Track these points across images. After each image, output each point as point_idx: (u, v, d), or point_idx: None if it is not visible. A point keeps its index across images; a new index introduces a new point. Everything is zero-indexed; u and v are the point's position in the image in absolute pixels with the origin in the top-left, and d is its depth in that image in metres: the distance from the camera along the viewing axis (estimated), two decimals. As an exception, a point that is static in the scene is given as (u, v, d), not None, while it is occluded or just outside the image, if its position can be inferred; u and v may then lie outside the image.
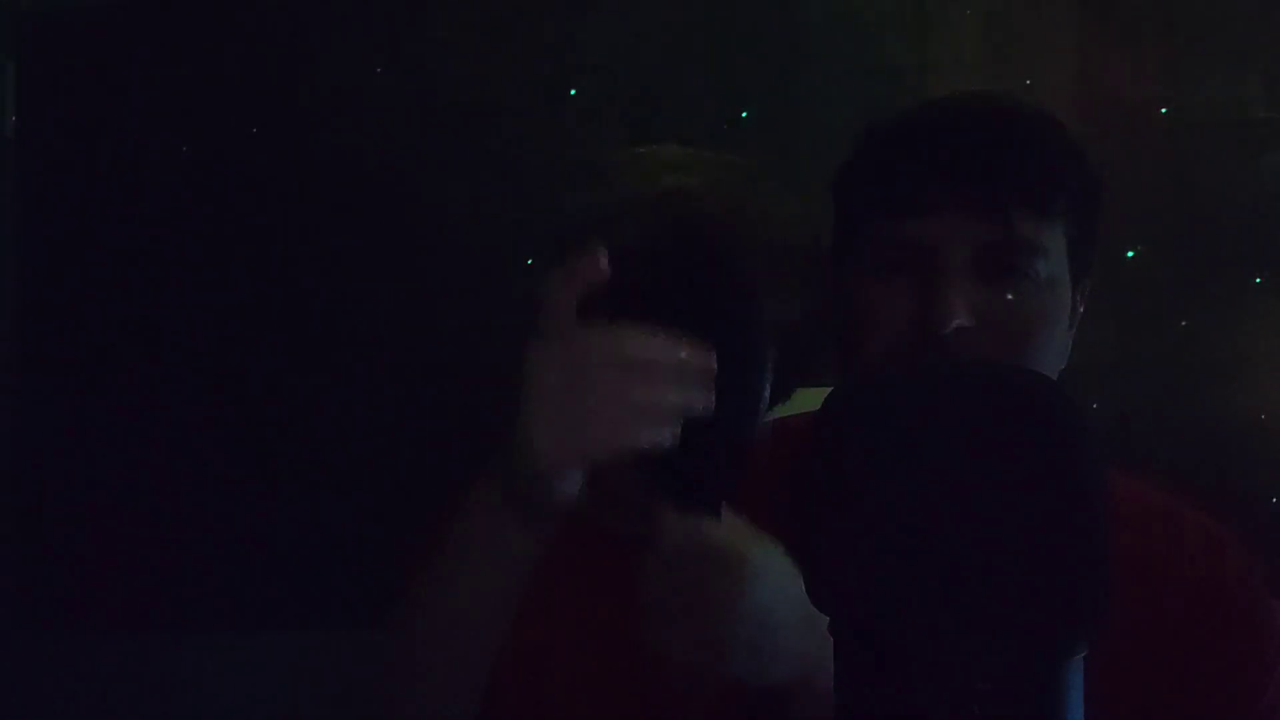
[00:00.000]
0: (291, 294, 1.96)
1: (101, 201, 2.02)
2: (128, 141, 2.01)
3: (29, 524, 2.03)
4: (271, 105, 1.98)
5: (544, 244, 1.08)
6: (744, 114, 1.85)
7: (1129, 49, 1.75)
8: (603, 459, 0.71)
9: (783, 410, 0.87)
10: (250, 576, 1.93)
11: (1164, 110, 1.74)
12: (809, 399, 0.95)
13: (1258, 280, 1.71)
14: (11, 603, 2.02)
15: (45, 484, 2.03)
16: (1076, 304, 0.99)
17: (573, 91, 1.90)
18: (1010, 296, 0.92)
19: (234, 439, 1.96)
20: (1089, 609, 0.48)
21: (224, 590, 1.93)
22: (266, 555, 1.92)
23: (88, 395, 2.01)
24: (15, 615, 2.02)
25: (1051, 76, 1.75)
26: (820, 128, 1.79)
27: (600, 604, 0.98)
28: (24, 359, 2.05)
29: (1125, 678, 0.76)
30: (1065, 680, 0.48)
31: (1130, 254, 1.72)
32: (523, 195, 1.88)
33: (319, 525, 1.90)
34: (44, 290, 2.05)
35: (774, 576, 0.74)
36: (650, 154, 1.02)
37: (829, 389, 0.56)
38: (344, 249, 1.95)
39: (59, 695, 1.95)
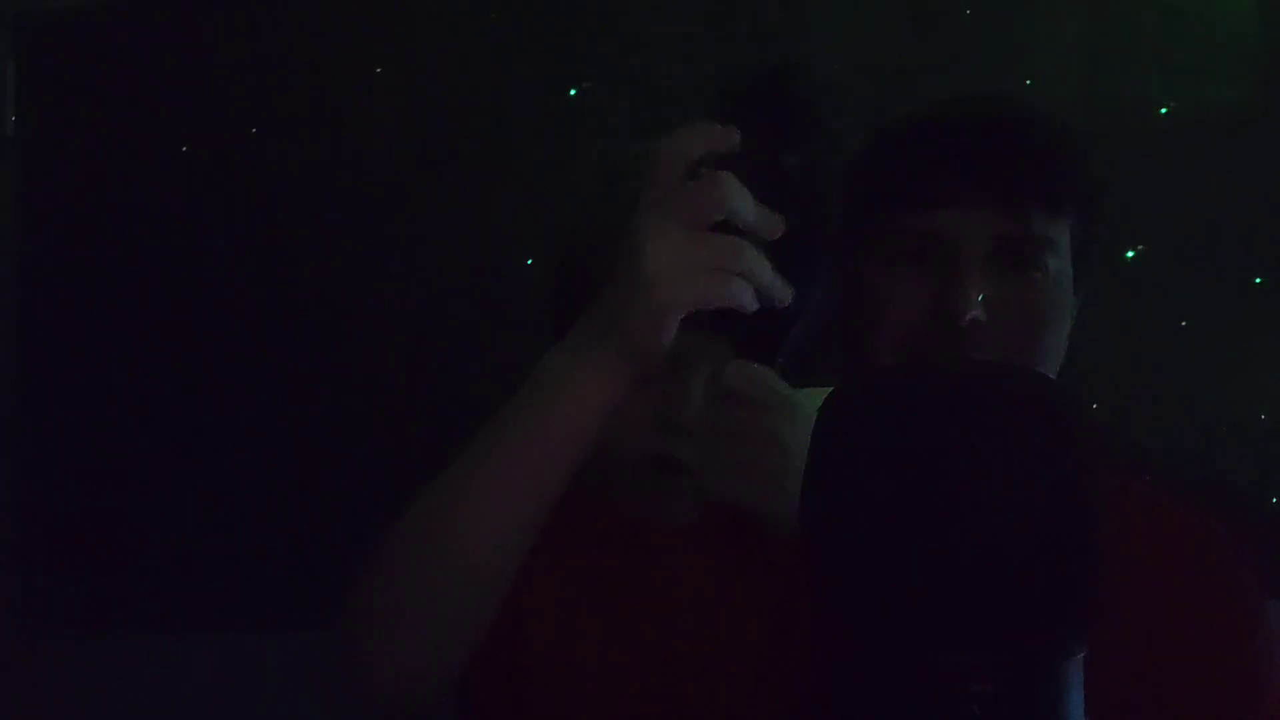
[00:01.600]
0: (290, 294, 1.96)
1: (101, 201, 2.02)
2: (127, 141, 2.01)
3: (31, 524, 2.03)
4: (271, 105, 1.98)
5: (557, 250, 1.09)
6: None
7: (1129, 49, 1.75)
8: (698, 306, 0.76)
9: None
10: (251, 576, 1.93)
11: (1164, 110, 1.74)
12: (811, 399, 0.96)
13: (1258, 280, 1.70)
14: (13, 602, 2.02)
15: (46, 484, 2.03)
16: (1076, 302, 1.00)
17: (573, 91, 1.90)
18: (1023, 291, 0.93)
19: (235, 439, 1.96)
20: (1088, 609, 0.48)
21: (224, 590, 1.93)
22: (268, 555, 1.92)
23: (88, 395, 2.01)
24: (17, 615, 2.02)
25: (1051, 76, 1.75)
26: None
27: (630, 590, 0.99)
28: (24, 359, 2.05)
29: (1121, 676, 0.77)
30: (1065, 680, 0.48)
31: (1130, 254, 1.72)
32: (523, 195, 1.88)
33: (322, 525, 1.90)
34: (44, 290, 2.05)
35: None
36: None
37: (829, 389, 0.56)
38: (343, 249, 1.95)
39: (60, 695, 1.95)
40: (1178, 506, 1.01)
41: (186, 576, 1.95)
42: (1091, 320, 1.04)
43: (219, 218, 1.98)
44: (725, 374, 0.83)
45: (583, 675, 0.97)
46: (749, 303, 0.76)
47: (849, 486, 0.50)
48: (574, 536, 1.01)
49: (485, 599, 0.86)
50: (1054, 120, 1.01)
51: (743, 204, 0.75)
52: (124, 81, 2.02)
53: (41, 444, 2.03)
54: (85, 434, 2.01)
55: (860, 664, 0.50)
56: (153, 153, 2.01)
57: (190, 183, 1.99)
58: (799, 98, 0.81)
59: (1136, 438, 1.68)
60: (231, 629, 1.92)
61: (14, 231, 2.06)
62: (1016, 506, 0.47)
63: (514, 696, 0.98)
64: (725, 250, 0.75)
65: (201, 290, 1.98)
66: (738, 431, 0.83)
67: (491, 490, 0.83)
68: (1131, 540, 0.84)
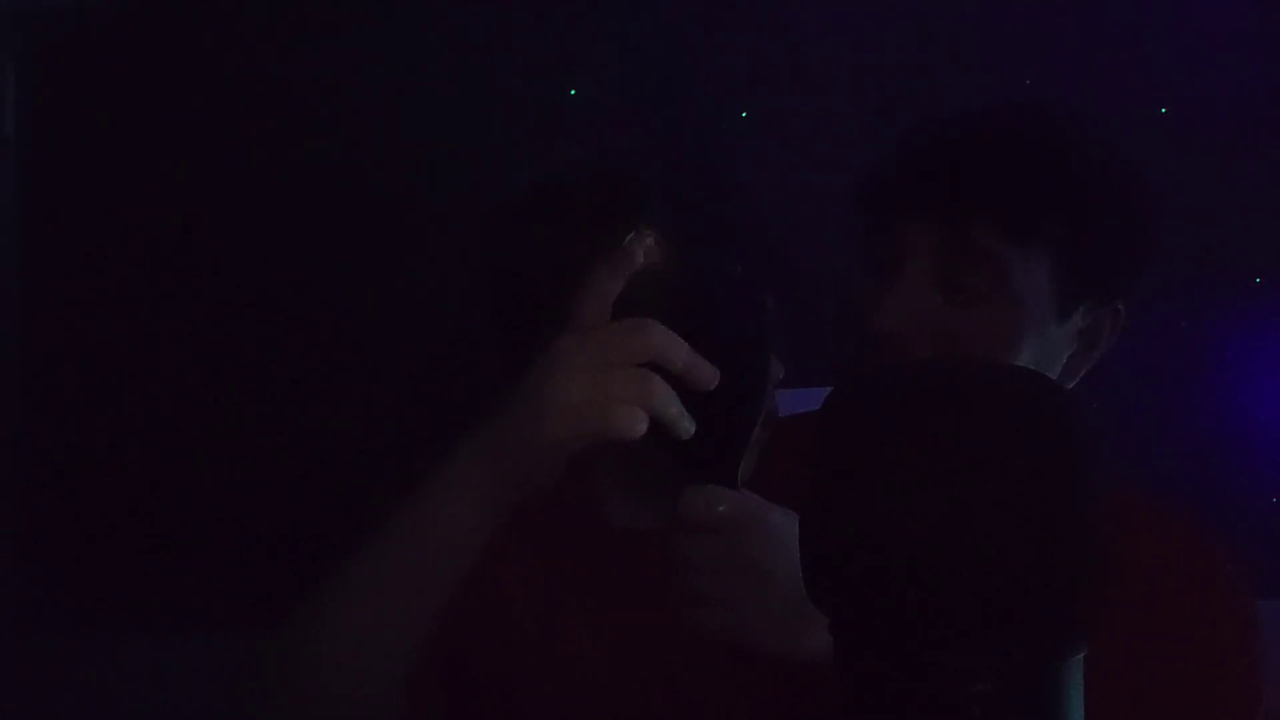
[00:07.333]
0: (290, 295, 1.96)
1: (102, 201, 2.02)
2: (128, 141, 2.01)
3: (31, 524, 2.03)
4: (271, 105, 1.97)
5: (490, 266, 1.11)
6: (744, 114, 1.85)
7: (1129, 49, 1.75)
8: (588, 441, 0.75)
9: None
10: (250, 576, 1.93)
11: (1164, 110, 1.74)
12: (809, 399, 0.96)
13: (1258, 280, 1.70)
14: (12, 602, 2.02)
15: (46, 483, 2.03)
16: (1073, 330, 0.99)
17: (573, 91, 1.90)
18: (964, 310, 0.93)
19: (236, 439, 1.96)
20: (1088, 608, 0.48)
21: (223, 590, 1.93)
22: (268, 555, 1.92)
23: (89, 395, 2.01)
24: (16, 615, 2.02)
25: (1052, 77, 1.75)
26: (820, 128, 1.79)
27: (610, 596, 0.99)
28: (24, 359, 2.05)
29: (1116, 681, 0.77)
30: (1065, 680, 0.48)
31: (1130, 254, 1.72)
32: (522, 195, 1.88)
33: (322, 526, 1.89)
34: (44, 290, 2.05)
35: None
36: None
37: (828, 389, 0.56)
38: (343, 249, 1.95)
39: (60, 695, 1.95)
40: (1167, 513, 1.01)
41: (185, 576, 1.95)
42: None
43: (219, 218, 1.98)
44: (685, 503, 0.78)
45: (569, 680, 0.97)
46: (636, 430, 0.74)
47: (847, 484, 0.50)
48: (560, 542, 1.01)
49: (377, 679, 0.89)
50: (1042, 136, 0.99)
51: (670, 349, 0.73)
52: (125, 82, 2.02)
53: (42, 443, 2.03)
54: (85, 433, 2.01)
55: (859, 664, 0.50)
56: (153, 153, 2.01)
57: (190, 183, 1.99)
58: (734, 207, 0.81)
59: (1135, 439, 1.68)
60: (231, 629, 1.92)
61: (14, 232, 2.06)
62: (1016, 505, 0.47)
63: (501, 701, 0.99)
64: (629, 384, 0.73)
65: (202, 291, 1.98)
66: (713, 563, 0.78)
67: (373, 596, 0.87)
68: (1123, 547, 0.85)
